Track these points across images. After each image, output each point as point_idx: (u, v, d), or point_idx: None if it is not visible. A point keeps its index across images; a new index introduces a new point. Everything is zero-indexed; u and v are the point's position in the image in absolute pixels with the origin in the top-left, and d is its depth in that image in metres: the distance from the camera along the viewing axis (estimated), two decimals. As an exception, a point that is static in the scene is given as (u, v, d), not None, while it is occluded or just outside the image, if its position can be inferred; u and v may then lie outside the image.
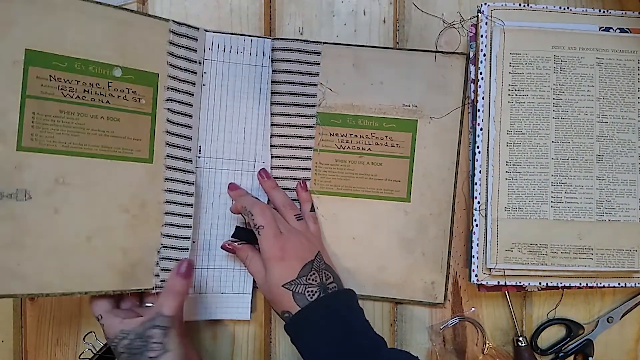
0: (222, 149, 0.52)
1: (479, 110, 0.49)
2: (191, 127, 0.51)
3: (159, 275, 0.48)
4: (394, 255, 0.53)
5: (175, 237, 0.49)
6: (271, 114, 0.52)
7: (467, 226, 0.52)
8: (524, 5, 0.49)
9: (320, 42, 0.52)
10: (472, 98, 0.51)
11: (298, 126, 0.52)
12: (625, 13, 0.50)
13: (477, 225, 0.50)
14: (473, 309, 0.53)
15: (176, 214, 0.50)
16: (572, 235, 0.49)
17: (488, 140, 0.49)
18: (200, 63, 0.51)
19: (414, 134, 0.52)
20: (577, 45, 0.49)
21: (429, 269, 0.52)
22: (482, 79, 0.49)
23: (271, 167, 0.52)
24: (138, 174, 0.48)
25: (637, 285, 0.51)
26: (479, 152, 0.50)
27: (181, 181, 0.50)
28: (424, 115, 0.52)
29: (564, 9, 0.50)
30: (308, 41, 0.51)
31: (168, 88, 0.49)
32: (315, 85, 0.52)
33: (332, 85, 0.52)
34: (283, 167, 0.53)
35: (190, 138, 0.51)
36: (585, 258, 0.49)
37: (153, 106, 0.48)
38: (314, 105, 0.52)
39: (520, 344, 0.52)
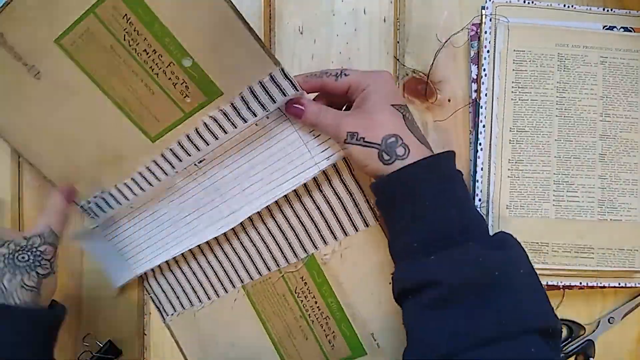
0: (224, 183, 0.50)
1: (481, 108, 0.49)
2: (209, 147, 0.48)
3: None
4: None
5: (123, 195, 0.51)
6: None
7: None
8: (528, 3, 0.49)
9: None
10: (474, 97, 0.51)
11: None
12: (629, 12, 0.50)
13: (478, 223, 0.50)
14: None
15: (138, 186, 0.50)
16: (574, 234, 0.49)
17: (490, 138, 0.49)
18: (267, 117, 0.46)
19: None
20: (581, 44, 0.49)
21: None
22: (486, 75, 0.49)
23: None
24: (133, 138, 0.48)
25: (638, 285, 0.50)
26: (481, 150, 0.49)
27: (164, 172, 0.50)
28: None
29: (568, 7, 0.49)
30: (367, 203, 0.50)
31: (220, 110, 0.46)
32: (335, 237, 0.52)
33: None
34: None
35: (201, 151, 0.48)
36: (586, 257, 0.49)
37: (192, 111, 0.47)
38: (315, 244, 0.52)
39: (520, 343, 0.52)
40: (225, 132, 0.47)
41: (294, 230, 0.51)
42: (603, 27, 0.50)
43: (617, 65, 0.49)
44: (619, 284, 0.50)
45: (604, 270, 0.49)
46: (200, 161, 0.49)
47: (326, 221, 0.51)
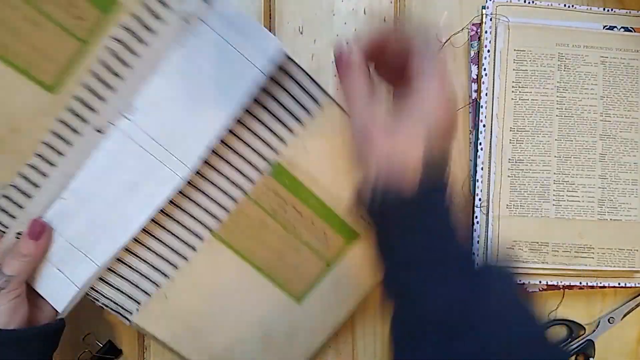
0: (160, 128, 0.40)
1: (482, 107, 0.49)
2: (124, 80, 0.39)
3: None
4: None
5: (31, 183, 0.40)
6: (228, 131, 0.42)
7: (466, 224, 0.52)
8: (529, 2, 0.49)
9: (326, 93, 0.43)
10: (474, 97, 0.51)
11: (244, 160, 0.43)
12: (630, 12, 0.50)
13: (477, 223, 0.50)
14: None
15: (48, 162, 0.40)
16: (574, 234, 0.49)
17: (491, 137, 0.49)
18: (179, 17, 0.38)
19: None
20: (581, 43, 0.49)
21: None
22: (486, 75, 0.49)
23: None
24: (27, 97, 0.39)
25: (638, 285, 0.51)
26: (481, 149, 0.49)
27: (76, 132, 0.40)
28: None
29: (569, 6, 0.50)
30: (316, 84, 0.43)
31: (122, 27, 0.38)
32: (292, 132, 0.44)
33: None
34: (201, 191, 0.44)
35: (116, 90, 0.39)
36: (586, 257, 0.49)
37: (91, 35, 0.38)
38: (275, 150, 0.44)
39: (520, 343, 0.52)
40: (139, 53, 0.39)
41: (249, 145, 0.43)
42: (603, 27, 0.50)
43: (618, 65, 0.49)
44: (619, 283, 0.50)
45: (604, 270, 0.49)
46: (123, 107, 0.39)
47: (277, 118, 0.43)
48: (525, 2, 0.49)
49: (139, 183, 0.41)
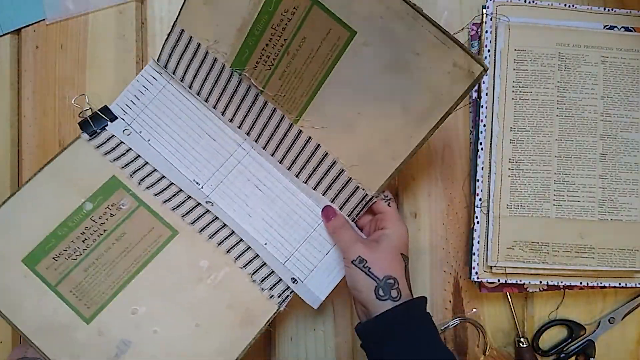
0: (209, 164, 0.49)
1: (482, 107, 0.49)
2: (170, 181, 0.49)
3: (273, 295, 0.47)
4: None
5: (251, 260, 0.48)
6: (213, 107, 0.49)
7: (467, 224, 0.52)
8: (529, 2, 0.49)
9: (174, 23, 0.47)
10: (474, 97, 0.51)
11: (234, 93, 0.48)
12: (630, 12, 0.50)
13: (478, 223, 0.49)
14: (474, 310, 0.52)
15: (234, 245, 0.48)
16: (574, 234, 0.49)
17: (491, 137, 0.49)
18: (129, 134, 0.49)
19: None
20: (582, 43, 0.49)
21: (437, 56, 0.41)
22: (486, 75, 0.49)
23: (256, 140, 0.49)
24: (178, 249, 0.47)
25: (638, 285, 0.50)
26: (482, 149, 0.49)
27: (213, 220, 0.48)
28: None
29: (569, 6, 0.49)
30: (167, 37, 0.48)
31: (131, 175, 0.48)
32: (207, 52, 0.47)
33: (210, 37, 0.47)
34: (262, 129, 0.48)
35: (180, 190, 0.48)
36: (587, 257, 0.49)
37: (136, 199, 0.48)
38: (224, 67, 0.47)
39: (521, 345, 0.52)
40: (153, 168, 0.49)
41: None
42: (604, 27, 0.50)
43: (618, 64, 0.49)
44: (620, 284, 0.50)
45: (605, 270, 0.49)
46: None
47: None
48: (525, 1, 0.49)
49: (255, 183, 0.50)
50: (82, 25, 0.53)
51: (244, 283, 0.47)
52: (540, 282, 0.50)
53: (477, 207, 0.50)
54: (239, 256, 0.48)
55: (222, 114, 0.49)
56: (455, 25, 0.51)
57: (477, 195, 0.50)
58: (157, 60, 0.49)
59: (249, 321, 0.47)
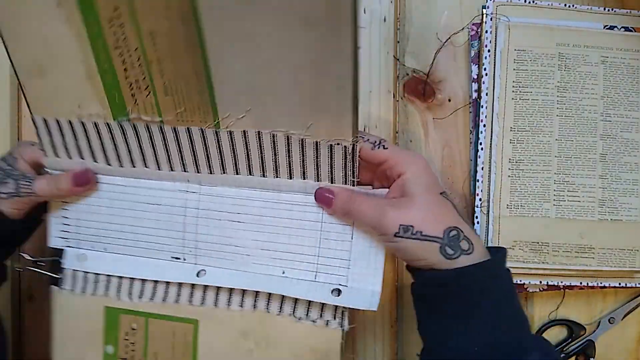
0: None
1: (482, 107, 0.49)
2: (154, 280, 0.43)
3: (329, 321, 0.41)
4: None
5: (287, 301, 0.42)
6: None
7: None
8: (529, 2, 0.49)
9: None
10: (474, 97, 0.51)
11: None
12: (630, 12, 0.50)
13: (478, 223, 0.49)
14: None
15: (261, 299, 0.42)
16: (574, 234, 0.49)
17: (491, 137, 0.49)
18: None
19: None
20: (582, 43, 0.49)
21: None
22: (486, 75, 0.49)
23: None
24: (212, 337, 0.43)
25: (638, 285, 0.50)
26: (482, 149, 0.49)
27: (217, 293, 0.43)
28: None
29: (569, 6, 0.49)
30: None
31: (118, 296, 0.44)
32: None
33: None
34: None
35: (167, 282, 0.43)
36: (587, 257, 0.49)
37: (142, 315, 0.44)
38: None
39: (520, 344, 0.51)
40: None
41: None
42: (604, 27, 0.50)
43: (618, 65, 0.49)
44: (620, 284, 0.50)
45: (605, 270, 0.49)
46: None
47: None
48: (525, 1, 0.49)
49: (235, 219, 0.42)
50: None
51: (292, 327, 0.41)
52: (540, 282, 0.50)
53: (477, 207, 0.50)
54: (267, 305, 0.42)
55: (145, 169, 0.41)
56: (456, 25, 0.51)
57: (477, 195, 0.50)
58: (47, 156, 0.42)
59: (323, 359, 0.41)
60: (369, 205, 0.37)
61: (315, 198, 0.39)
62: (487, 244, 0.49)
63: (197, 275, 0.42)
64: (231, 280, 0.41)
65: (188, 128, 0.38)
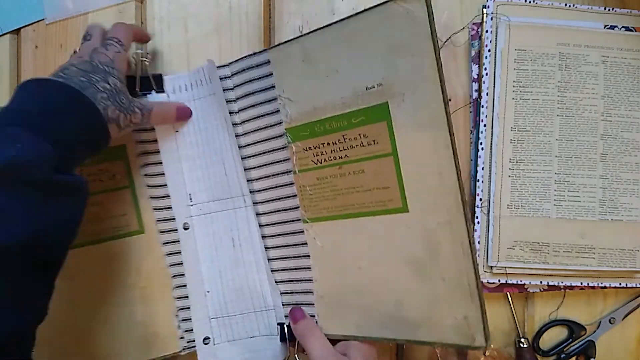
0: (211, 191, 0.48)
1: (482, 107, 0.49)
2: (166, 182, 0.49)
3: (183, 337, 0.49)
4: (407, 285, 0.42)
5: (187, 297, 0.49)
6: (243, 146, 0.48)
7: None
8: (529, 1, 0.49)
9: (265, 50, 0.46)
10: (475, 97, 0.51)
11: (271, 151, 0.47)
12: (630, 11, 0.50)
13: (478, 223, 0.49)
14: None
15: (183, 275, 0.49)
16: (575, 234, 0.49)
17: (492, 137, 0.49)
18: None
19: (388, 121, 0.41)
20: (582, 43, 0.49)
21: (456, 299, 0.40)
22: (487, 74, 0.49)
23: (258, 202, 0.49)
24: (134, 248, 0.48)
25: (639, 285, 0.50)
26: (482, 149, 0.49)
27: (178, 241, 0.49)
28: (393, 93, 0.40)
29: (570, 6, 0.49)
30: (252, 54, 0.46)
31: (139, 154, 0.48)
32: (275, 99, 0.46)
33: (289, 93, 0.45)
34: (270, 200, 0.48)
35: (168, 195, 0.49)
36: (587, 257, 0.49)
37: (129, 177, 0.48)
38: (280, 123, 0.46)
39: (522, 345, 0.51)
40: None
41: (263, 141, 0.48)
42: (604, 27, 0.50)
43: (619, 64, 0.49)
44: (620, 284, 0.50)
45: (605, 270, 0.49)
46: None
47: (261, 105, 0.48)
48: (526, 1, 0.49)
49: (234, 236, 0.48)
50: (81, 25, 0.53)
51: (168, 311, 0.48)
52: (541, 282, 0.50)
53: (478, 207, 0.49)
54: (178, 286, 0.49)
55: (245, 159, 0.48)
56: (456, 25, 0.51)
57: (478, 195, 0.50)
58: (229, 65, 0.47)
59: (148, 343, 0.48)
60: (321, 345, 0.44)
61: (290, 310, 0.47)
62: (488, 244, 0.49)
63: (183, 223, 0.50)
64: (191, 250, 0.50)
65: (295, 194, 0.47)
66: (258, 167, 0.48)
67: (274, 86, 0.45)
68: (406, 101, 0.40)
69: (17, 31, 0.54)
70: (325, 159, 0.44)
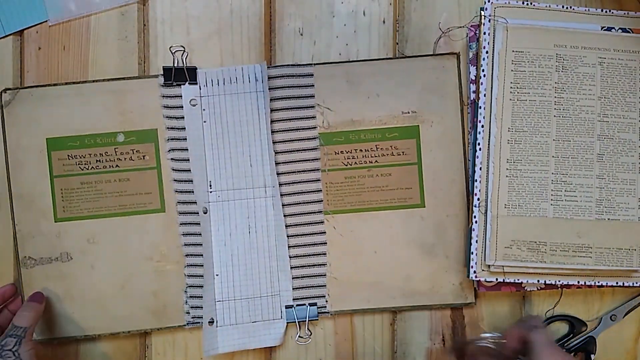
0: (231, 180, 0.52)
1: (480, 108, 0.50)
2: (189, 167, 0.52)
3: (189, 313, 0.53)
4: (417, 263, 0.52)
5: (198, 275, 0.53)
6: (274, 142, 0.52)
7: (465, 223, 0.52)
8: (527, 4, 0.50)
9: (312, 64, 0.52)
10: (472, 98, 0.51)
11: (302, 150, 0.52)
12: (627, 13, 0.50)
13: (476, 222, 0.50)
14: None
15: (196, 255, 0.53)
16: (572, 234, 0.49)
17: (489, 137, 0.50)
18: (194, 105, 0.52)
19: (417, 139, 0.52)
20: (579, 44, 0.49)
21: (455, 271, 0.52)
22: (484, 76, 0.49)
23: (281, 195, 0.52)
24: (154, 224, 0.53)
25: (635, 284, 0.51)
26: (480, 150, 0.50)
27: (196, 223, 0.53)
28: (424, 119, 0.52)
29: (567, 7, 0.50)
30: (300, 65, 0.52)
31: (169, 139, 0.52)
32: (313, 107, 0.52)
33: (329, 104, 0.52)
34: (294, 193, 0.53)
35: (191, 180, 0.53)
36: (584, 256, 0.50)
37: (157, 159, 0.53)
38: (314, 127, 0.52)
39: (519, 342, 0.52)
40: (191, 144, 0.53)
41: (296, 140, 0.53)
42: (601, 28, 0.50)
43: (615, 65, 0.50)
44: (617, 283, 0.50)
45: (602, 269, 0.50)
46: None
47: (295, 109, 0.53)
48: (523, 3, 0.50)
49: (250, 224, 0.53)
50: (84, 27, 0.54)
51: (177, 287, 0.53)
52: (538, 281, 0.50)
53: (475, 206, 0.50)
54: (190, 265, 0.53)
55: (275, 153, 0.52)
56: (453, 28, 0.52)
57: (475, 195, 0.50)
58: (275, 67, 0.52)
59: (157, 313, 0.53)
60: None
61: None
62: (485, 243, 0.50)
63: (202, 207, 0.53)
64: (205, 234, 0.53)
65: (320, 189, 0.53)
66: (284, 163, 0.53)
67: (313, 95, 0.52)
68: (434, 127, 0.52)
69: (20, 33, 0.54)
70: (355, 162, 0.53)
